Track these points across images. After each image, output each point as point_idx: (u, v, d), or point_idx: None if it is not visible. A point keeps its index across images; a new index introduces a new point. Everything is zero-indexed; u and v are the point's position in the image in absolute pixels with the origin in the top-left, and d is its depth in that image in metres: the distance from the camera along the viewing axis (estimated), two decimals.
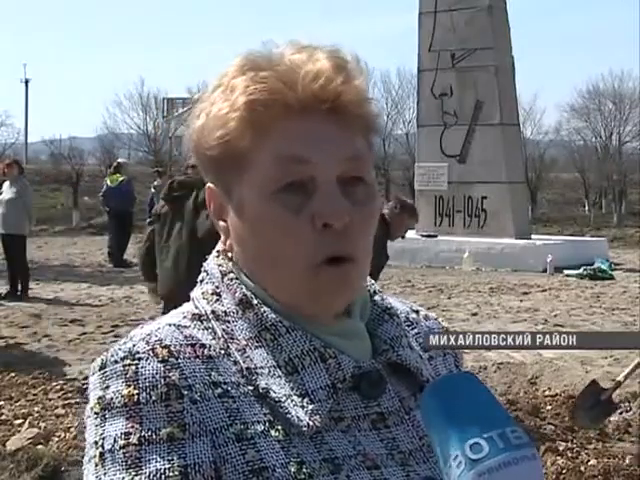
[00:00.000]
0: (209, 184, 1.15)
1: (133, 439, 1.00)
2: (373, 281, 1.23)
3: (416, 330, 1.23)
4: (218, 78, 1.13)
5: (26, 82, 61.00)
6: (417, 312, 1.28)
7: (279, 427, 1.04)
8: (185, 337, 1.08)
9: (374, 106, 1.13)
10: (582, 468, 5.73)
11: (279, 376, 1.07)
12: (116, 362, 1.05)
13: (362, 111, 1.11)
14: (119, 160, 19.98)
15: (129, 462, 0.99)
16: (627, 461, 5.82)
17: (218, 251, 1.18)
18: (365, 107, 1.12)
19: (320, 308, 1.10)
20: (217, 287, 1.14)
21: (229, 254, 1.16)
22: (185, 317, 1.13)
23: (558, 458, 5.86)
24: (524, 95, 46.00)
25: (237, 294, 1.12)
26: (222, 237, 1.16)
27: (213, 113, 1.11)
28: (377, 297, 1.21)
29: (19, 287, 13.02)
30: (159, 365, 1.03)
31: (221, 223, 1.15)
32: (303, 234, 1.07)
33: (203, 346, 1.08)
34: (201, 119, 1.12)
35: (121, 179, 17.55)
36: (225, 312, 1.12)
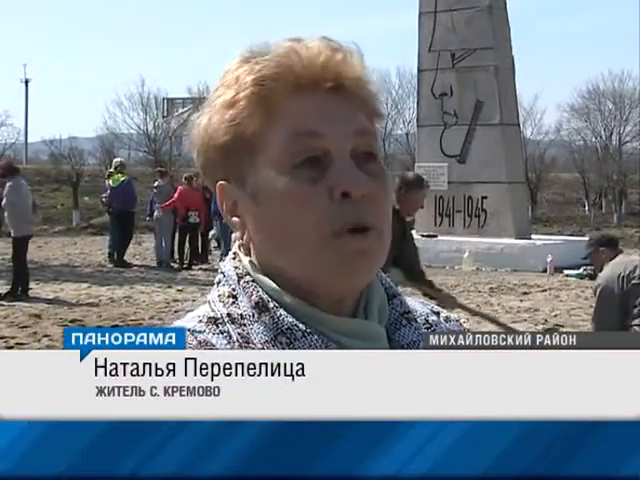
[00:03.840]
0: (220, 182, 1.14)
1: None
2: (392, 284, 1.21)
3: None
4: (220, 78, 1.14)
5: (26, 82, 61.05)
6: (438, 314, 1.26)
7: None
8: (199, 342, 1.08)
9: (373, 87, 1.14)
10: None
11: None
12: None
13: (362, 91, 1.13)
14: (121, 159, 19.94)
15: None
16: None
17: (235, 253, 1.17)
18: (365, 87, 1.13)
19: (342, 282, 1.09)
20: (234, 289, 1.14)
21: (245, 249, 1.15)
22: (201, 321, 1.12)
23: None
24: (524, 95, 46.00)
25: (253, 297, 1.11)
26: (238, 234, 1.15)
27: (219, 103, 1.11)
28: (395, 300, 1.19)
29: (18, 288, 13.04)
30: None
31: (234, 219, 1.14)
32: (321, 204, 1.07)
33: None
34: (206, 115, 1.12)
35: (122, 179, 17.53)
36: (241, 315, 1.11)
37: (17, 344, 9.55)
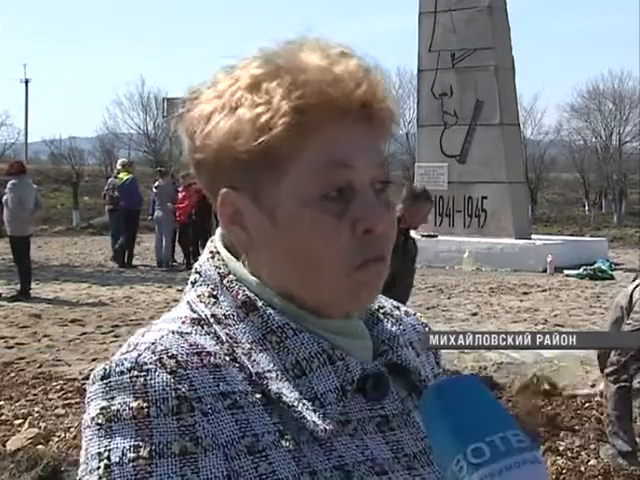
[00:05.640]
0: (224, 189, 1.09)
1: (143, 452, 0.97)
2: None
3: (402, 327, 1.22)
4: (231, 76, 1.08)
5: (26, 82, 60.86)
6: (398, 308, 1.28)
7: (289, 437, 1.02)
8: (190, 345, 1.05)
9: (395, 104, 1.13)
10: (582, 468, 5.73)
11: (287, 380, 1.04)
12: (122, 373, 1.01)
13: (384, 114, 1.10)
14: (127, 159, 19.93)
15: (139, 476, 0.96)
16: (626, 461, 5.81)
17: (212, 252, 1.15)
18: (387, 109, 1.11)
19: (350, 306, 1.10)
20: (213, 289, 1.11)
21: (241, 259, 1.12)
22: (184, 322, 1.09)
23: (558, 458, 5.87)
24: (524, 95, 46.04)
25: (240, 296, 1.09)
26: (235, 242, 1.12)
27: (247, 118, 1.05)
28: None
29: (29, 287, 13.09)
30: (168, 377, 1.00)
31: (236, 228, 1.10)
32: (344, 239, 1.06)
33: (209, 354, 1.05)
34: (225, 119, 1.07)
35: (126, 178, 17.53)
36: (225, 315, 1.09)
37: (17, 344, 9.56)
